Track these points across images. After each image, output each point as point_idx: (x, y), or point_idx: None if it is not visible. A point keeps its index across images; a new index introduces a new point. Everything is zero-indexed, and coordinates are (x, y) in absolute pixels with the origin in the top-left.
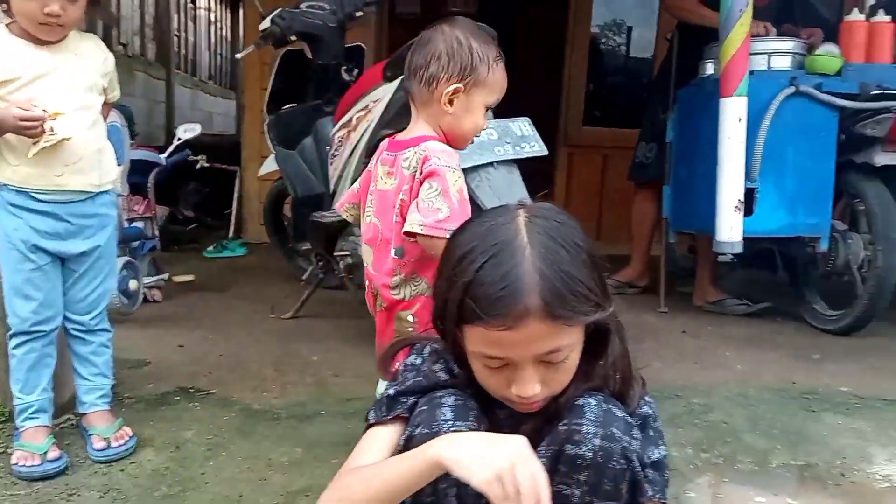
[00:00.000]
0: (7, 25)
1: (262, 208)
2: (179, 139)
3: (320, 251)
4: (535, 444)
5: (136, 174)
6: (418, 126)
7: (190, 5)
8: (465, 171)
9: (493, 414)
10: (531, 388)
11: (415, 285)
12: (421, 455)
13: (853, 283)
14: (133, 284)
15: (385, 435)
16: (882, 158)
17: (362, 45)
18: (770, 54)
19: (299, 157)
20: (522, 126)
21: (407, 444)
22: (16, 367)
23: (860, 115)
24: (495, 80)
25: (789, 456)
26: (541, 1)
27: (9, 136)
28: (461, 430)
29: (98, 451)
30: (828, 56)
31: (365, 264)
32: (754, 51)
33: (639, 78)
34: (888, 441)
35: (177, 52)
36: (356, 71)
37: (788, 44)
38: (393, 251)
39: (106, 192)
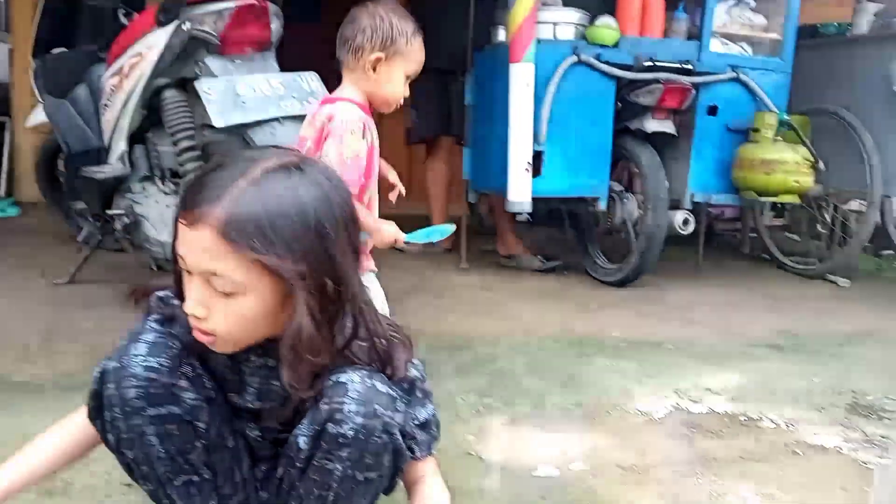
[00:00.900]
0: None
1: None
2: None
3: (96, 210)
4: (292, 420)
5: None
6: (345, 90)
7: None
8: (248, 126)
9: (241, 363)
10: (191, 305)
11: None
12: None
13: (629, 240)
14: None
15: None
16: (652, 125)
17: None
18: (555, 24)
19: (71, 107)
20: (310, 80)
21: (101, 379)
22: None
23: (634, 84)
24: (412, 51)
25: (562, 397)
26: None
27: None
28: (151, 366)
29: None
30: (606, 28)
31: None
32: (541, 20)
33: None
34: (647, 379)
35: None
36: (135, 15)
37: (573, 15)
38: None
39: None
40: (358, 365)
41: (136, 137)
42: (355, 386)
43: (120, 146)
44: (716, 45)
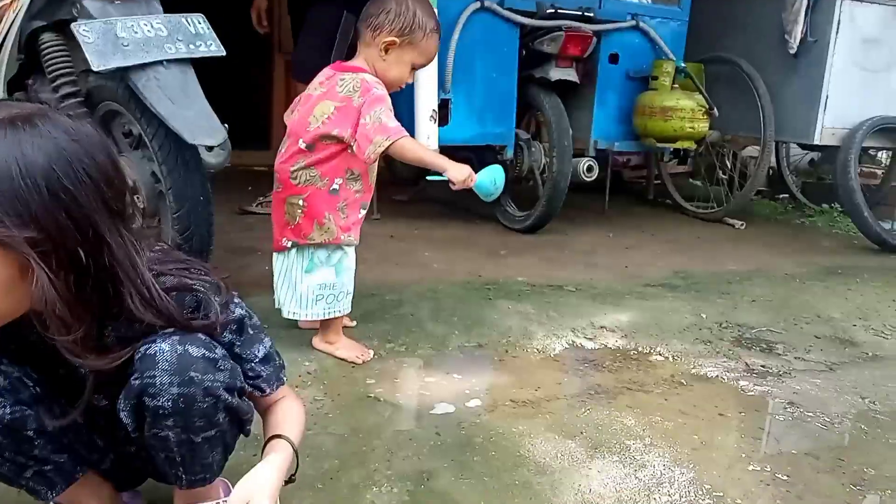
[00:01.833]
0: None
1: None
2: None
3: None
4: (117, 381)
5: None
6: (359, 60)
7: None
8: (129, 69)
9: (55, 347)
10: None
11: (309, 175)
12: None
13: (536, 187)
14: None
15: None
16: (556, 73)
17: None
18: None
19: None
20: (196, 23)
21: None
22: None
23: (537, 32)
24: (426, 46)
25: (464, 339)
26: None
27: None
28: None
29: None
30: None
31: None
32: None
33: None
34: (547, 320)
35: None
36: None
37: None
38: (303, 144)
39: None
40: (168, 330)
41: (18, 85)
42: (165, 356)
43: None
44: None
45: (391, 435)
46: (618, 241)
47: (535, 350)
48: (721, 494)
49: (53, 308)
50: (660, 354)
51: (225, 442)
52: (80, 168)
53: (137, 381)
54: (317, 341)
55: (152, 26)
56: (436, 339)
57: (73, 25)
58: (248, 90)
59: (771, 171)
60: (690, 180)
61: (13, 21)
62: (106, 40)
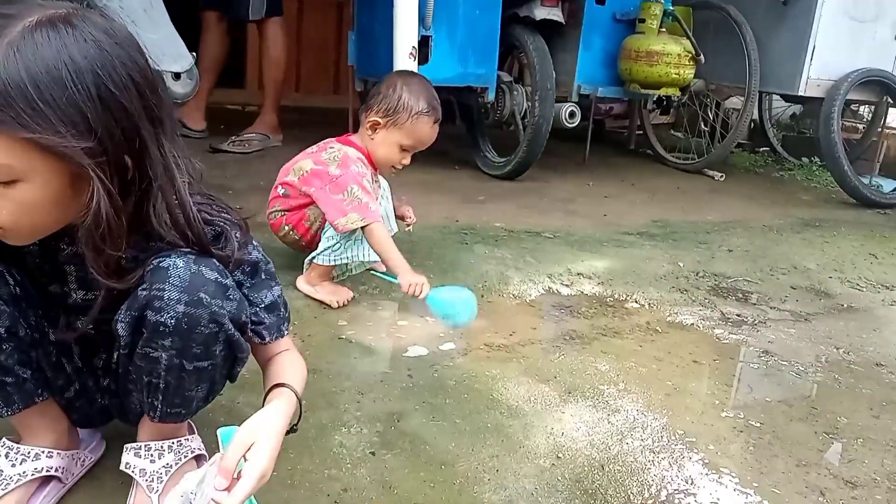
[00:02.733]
0: None
1: None
2: None
3: None
4: (113, 307)
5: None
6: (356, 136)
7: None
8: None
9: (57, 252)
10: None
11: (279, 213)
12: None
13: (517, 132)
14: None
15: None
16: (541, 12)
17: None
18: None
19: None
20: None
21: None
22: None
23: None
24: (412, 129)
25: (440, 282)
26: None
27: None
28: None
29: None
30: None
31: None
32: None
33: None
34: (524, 266)
35: None
36: None
37: None
38: (280, 190)
39: None
40: (184, 249)
41: None
42: (178, 271)
43: None
44: None
45: (362, 377)
46: (597, 190)
47: (511, 295)
48: (693, 440)
49: (109, 222)
50: (636, 302)
51: (213, 379)
52: (125, 73)
53: (145, 293)
54: (300, 282)
55: None
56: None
57: None
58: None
59: (752, 124)
60: (672, 131)
61: None
62: None
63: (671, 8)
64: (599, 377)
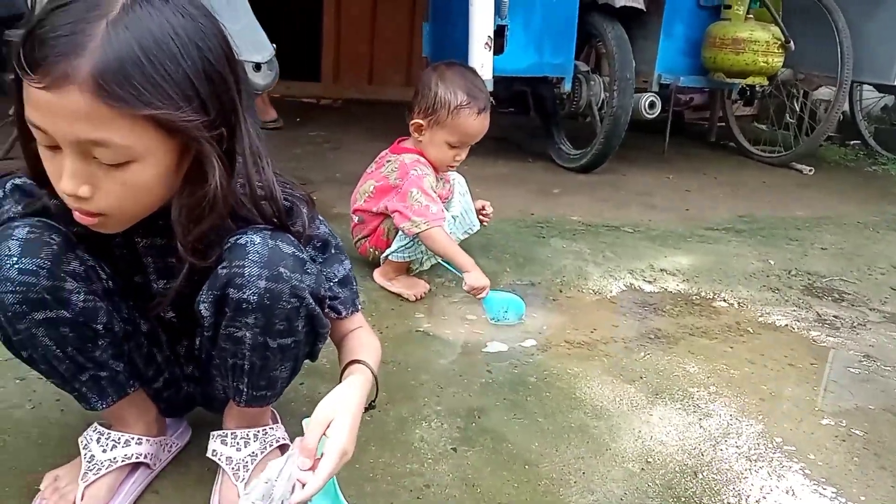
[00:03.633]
0: None
1: None
2: None
3: None
4: (194, 288)
5: None
6: (408, 140)
7: None
8: None
9: (129, 244)
10: (67, 182)
11: (362, 240)
12: None
13: (594, 124)
14: None
15: None
16: (621, 0)
17: None
18: None
19: None
20: None
21: None
22: None
23: None
24: (455, 125)
25: (516, 276)
26: None
27: None
28: (27, 269)
29: None
30: None
31: None
32: None
33: None
34: (603, 261)
35: None
36: None
37: None
38: (356, 218)
39: None
40: (259, 225)
41: None
42: (256, 248)
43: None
44: None
45: (440, 370)
46: (678, 184)
47: (591, 291)
48: (793, 449)
49: (224, 196)
50: (724, 300)
51: (296, 357)
52: (219, 45)
53: (225, 271)
54: (377, 275)
55: None
56: (487, 276)
57: None
58: (298, 19)
59: (842, 116)
60: (755, 123)
61: None
62: None
63: None
64: (688, 379)
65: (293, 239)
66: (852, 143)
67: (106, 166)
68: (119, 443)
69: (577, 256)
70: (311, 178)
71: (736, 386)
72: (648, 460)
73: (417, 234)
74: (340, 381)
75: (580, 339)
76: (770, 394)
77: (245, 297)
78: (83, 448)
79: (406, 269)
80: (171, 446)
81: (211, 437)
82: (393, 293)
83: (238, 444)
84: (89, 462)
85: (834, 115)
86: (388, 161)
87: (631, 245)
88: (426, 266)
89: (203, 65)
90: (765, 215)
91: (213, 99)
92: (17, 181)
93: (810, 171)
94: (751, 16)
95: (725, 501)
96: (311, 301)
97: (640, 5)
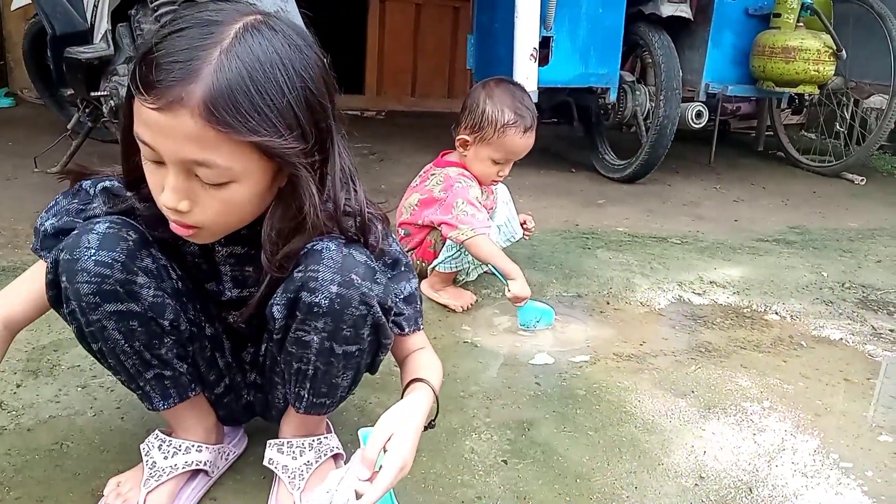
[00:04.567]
0: None
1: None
2: None
3: (84, 95)
4: (266, 295)
5: None
6: (452, 154)
7: None
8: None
9: (207, 252)
10: (169, 196)
11: (410, 250)
12: None
13: (639, 134)
14: None
15: (35, 267)
16: (668, 9)
17: None
18: None
19: None
20: None
21: (54, 269)
22: None
23: None
24: (500, 143)
25: (562, 288)
26: None
27: None
28: (103, 261)
29: None
30: None
31: None
32: None
33: None
34: (650, 272)
35: None
36: None
37: None
38: (402, 231)
39: None
40: (334, 235)
41: (121, 16)
42: (331, 254)
43: (103, 25)
44: None
45: (489, 382)
46: (726, 194)
47: (639, 303)
48: (850, 465)
49: (315, 219)
50: (776, 313)
51: (358, 367)
52: (321, 75)
53: (300, 274)
54: (424, 286)
55: None
56: (533, 287)
57: None
58: (342, 32)
59: (894, 125)
60: (803, 132)
61: None
62: None
63: (810, 1)
64: (741, 393)
65: (365, 249)
66: None
67: (206, 184)
68: (180, 450)
69: (624, 268)
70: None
71: (790, 401)
72: (702, 475)
73: (464, 241)
74: (402, 398)
75: (629, 352)
76: (825, 409)
77: (317, 300)
78: (145, 455)
79: (453, 280)
80: (228, 454)
81: (267, 445)
82: (440, 304)
83: (294, 452)
84: (151, 468)
85: (886, 124)
86: (433, 174)
87: (679, 256)
88: (472, 276)
89: (305, 94)
90: (816, 226)
91: (312, 126)
92: (107, 183)
93: (862, 181)
94: (801, 24)
95: None
96: (379, 310)
97: (688, 14)
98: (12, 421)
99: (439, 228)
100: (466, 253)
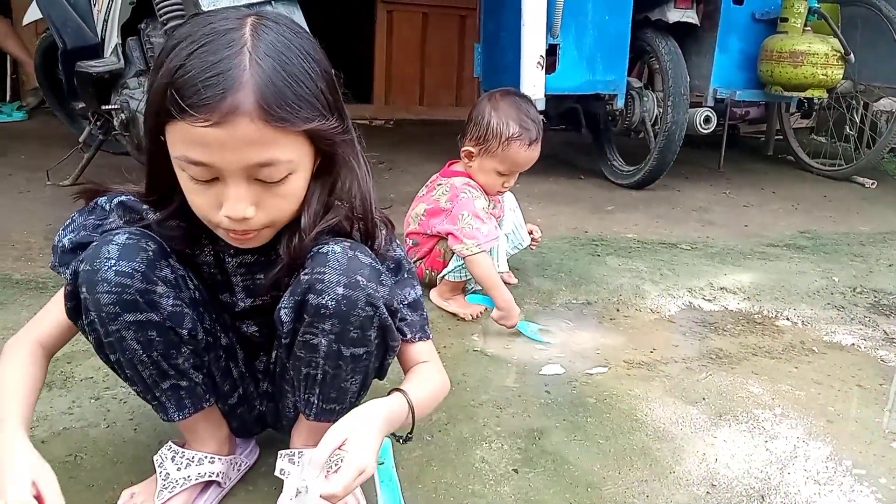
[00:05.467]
0: None
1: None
2: None
3: (95, 108)
4: (273, 296)
5: None
6: (458, 164)
7: None
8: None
9: (218, 262)
10: (241, 208)
11: (418, 262)
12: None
13: (647, 140)
14: None
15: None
16: (674, 15)
17: None
18: None
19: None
20: None
21: (74, 280)
22: None
23: None
24: (505, 156)
25: (572, 296)
26: None
27: None
28: (123, 271)
29: None
30: None
31: None
32: None
33: None
34: (660, 279)
35: None
36: None
37: None
38: (409, 241)
39: None
40: (340, 238)
41: (131, 30)
42: (337, 256)
43: (113, 39)
44: None
45: (499, 391)
46: (735, 199)
47: (649, 310)
48: (863, 472)
49: (365, 191)
50: (787, 319)
51: (366, 371)
52: (326, 59)
53: (307, 277)
54: (433, 295)
55: None
56: (542, 294)
57: None
58: (350, 41)
59: None
60: (813, 136)
61: None
62: None
63: (817, 5)
64: (752, 400)
65: (370, 252)
66: None
67: (266, 184)
68: (193, 461)
69: (633, 275)
70: None
71: (802, 407)
72: (714, 483)
73: (466, 257)
74: None
75: (639, 360)
76: (837, 415)
77: (324, 302)
78: (158, 466)
79: (462, 289)
80: (240, 465)
81: (278, 456)
82: (449, 312)
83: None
84: (164, 480)
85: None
86: (439, 185)
87: (689, 263)
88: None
89: (326, 76)
90: (827, 231)
91: (341, 105)
92: (122, 198)
93: (873, 184)
94: (808, 28)
95: None
96: (385, 311)
97: (695, 20)
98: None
99: (447, 238)
100: None
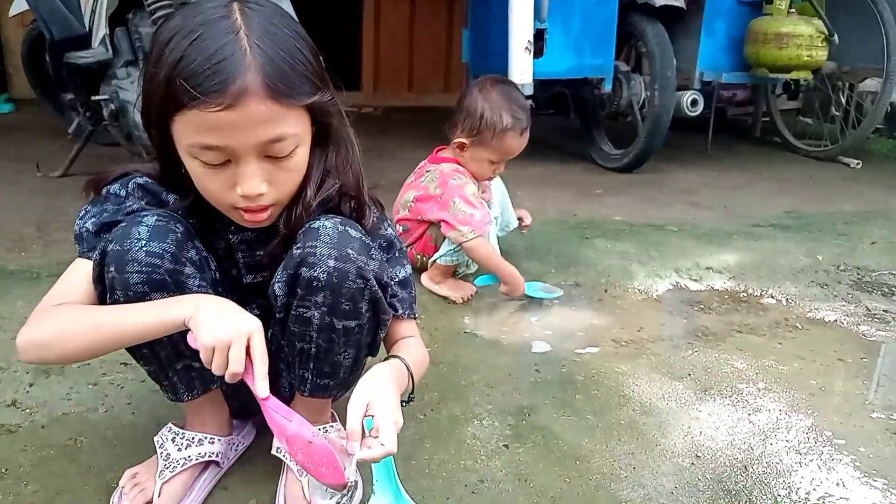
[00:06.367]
0: None
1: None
2: None
3: (83, 99)
4: (273, 271)
5: None
6: (447, 149)
7: None
8: None
9: (225, 240)
10: (256, 185)
11: (410, 245)
12: (168, 311)
13: (635, 123)
14: None
15: (89, 267)
16: None
17: None
18: None
19: None
20: None
21: (102, 260)
22: None
23: None
24: (498, 146)
25: (561, 277)
26: None
27: None
28: (154, 251)
29: None
30: None
31: None
32: None
33: None
34: (648, 260)
35: None
36: None
37: None
38: (400, 227)
39: None
40: (332, 214)
41: (119, 20)
42: (328, 231)
43: (101, 30)
44: None
45: (489, 370)
46: (722, 181)
47: (637, 290)
48: (843, 442)
49: (356, 168)
50: (772, 297)
51: (358, 344)
52: (309, 38)
53: (299, 251)
54: (424, 278)
55: None
56: (532, 276)
57: None
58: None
59: (889, 108)
60: (800, 117)
61: None
62: None
63: None
64: (737, 375)
65: (361, 228)
66: None
67: (276, 160)
68: (193, 442)
69: (621, 256)
70: None
71: (785, 381)
72: (698, 455)
73: (463, 244)
74: None
75: (627, 338)
76: (820, 389)
77: (315, 275)
78: (159, 447)
79: (453, 273)
80: (238, 445)
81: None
82: (440, 296)
83: None
84: (165, 460)
85: (881, 107)
86: (428, 171)
87: (676, 244)
88: (472, 269)
89: (313, 51)
90: (812, 210)
91: (328, 78)
92: (140, 180)
93: (858, 164)
94: (793, 10)
95: (776, 494)
96: (375, 284)
97: (680, 4)
98: (26, 419)
99: (439, 224)
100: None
